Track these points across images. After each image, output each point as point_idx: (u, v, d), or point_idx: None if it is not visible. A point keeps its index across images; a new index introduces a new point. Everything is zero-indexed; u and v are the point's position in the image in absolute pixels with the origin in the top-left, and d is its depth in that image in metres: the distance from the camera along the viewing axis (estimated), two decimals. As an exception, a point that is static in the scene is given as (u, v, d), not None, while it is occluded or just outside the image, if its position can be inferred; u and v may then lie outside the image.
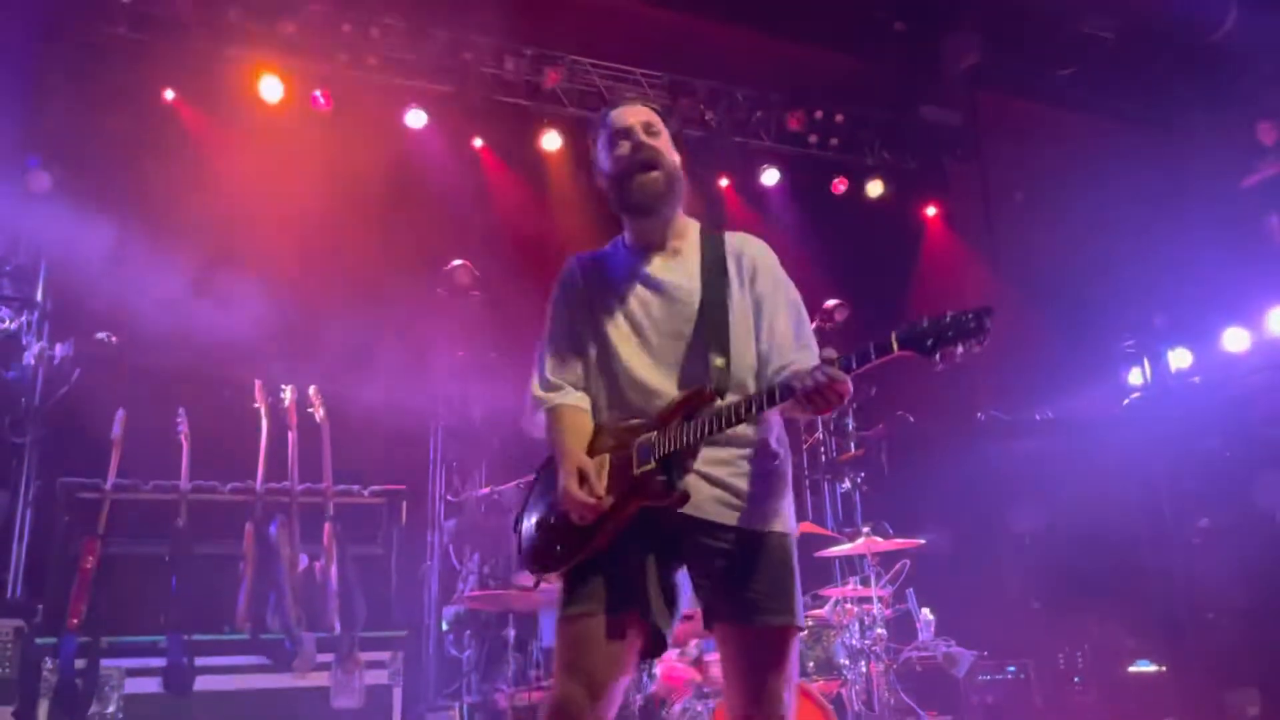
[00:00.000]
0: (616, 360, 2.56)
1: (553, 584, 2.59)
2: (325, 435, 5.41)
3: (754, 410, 2.34)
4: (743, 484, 2.46)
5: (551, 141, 7.71)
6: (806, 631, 4.68)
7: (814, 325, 5.48)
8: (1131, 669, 7.08)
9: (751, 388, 2.50)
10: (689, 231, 2.69)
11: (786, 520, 2.52)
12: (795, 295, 2.64)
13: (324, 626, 5.02)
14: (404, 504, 5.80)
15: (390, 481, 5.79)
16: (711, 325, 2.52)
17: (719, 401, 2.41)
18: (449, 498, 6.76)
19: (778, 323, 2.57)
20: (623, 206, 2.64)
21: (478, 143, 7.78)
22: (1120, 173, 7.66)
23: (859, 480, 5.13)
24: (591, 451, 2.52)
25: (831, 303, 6.88)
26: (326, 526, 5.23)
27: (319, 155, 6.58)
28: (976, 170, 8.78)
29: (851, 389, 2.28)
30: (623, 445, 2.47)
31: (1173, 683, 6.86)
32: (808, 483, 7.59)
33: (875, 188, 8.60)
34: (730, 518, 2.44)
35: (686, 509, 2.39)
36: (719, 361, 2.47)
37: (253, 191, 6.40)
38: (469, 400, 6.77)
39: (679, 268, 2.62)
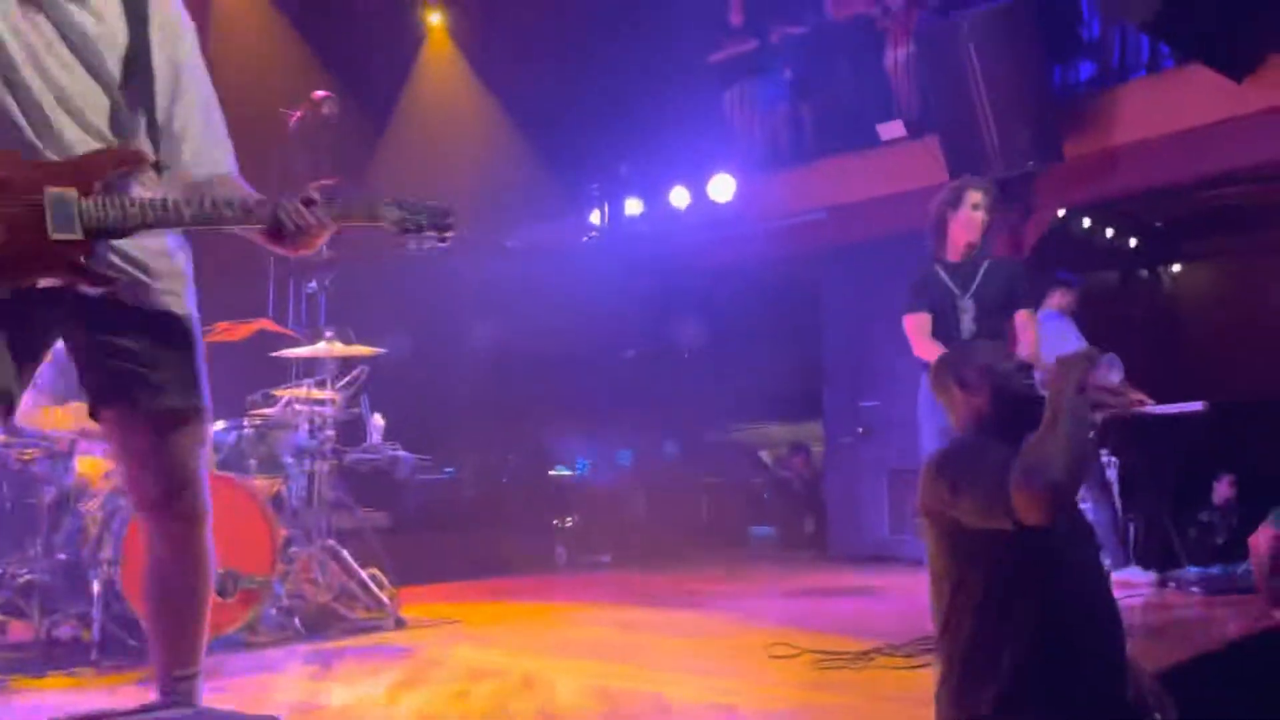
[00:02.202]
0: (9, 69, 2.07)
1: None
2: None
3: (226, 218, 2.10)
4: (153, 260, 2.21)
5: None
6: (253, 431, 4.58)
7: (297, 115, 5.19)
8: (552, 473, 8.09)
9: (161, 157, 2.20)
10: None
11: (192, 299, 2.33)
12: (211, 87, 2.37)
13: None
14: None
15: None
16: (139, 78, 2.17)
17: (153, 173, 2.14)
18: None
19: (197, 101, 2.29)
20: None
21: None
22: (614, 28, 8.11)
23: (325, 283, 5.02)
24: None
25: (320, 94, 6.49)
26: None
27: None
28: (484, -13, 8.71)
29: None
30: (24, 185, 1.99)
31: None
32: (273, 280, 7.29)
33: (383, -19, 8.20)
34: (140, 298, 2.19)
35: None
36: (143, 120, 2.18)
37: None
38: None
39: None
